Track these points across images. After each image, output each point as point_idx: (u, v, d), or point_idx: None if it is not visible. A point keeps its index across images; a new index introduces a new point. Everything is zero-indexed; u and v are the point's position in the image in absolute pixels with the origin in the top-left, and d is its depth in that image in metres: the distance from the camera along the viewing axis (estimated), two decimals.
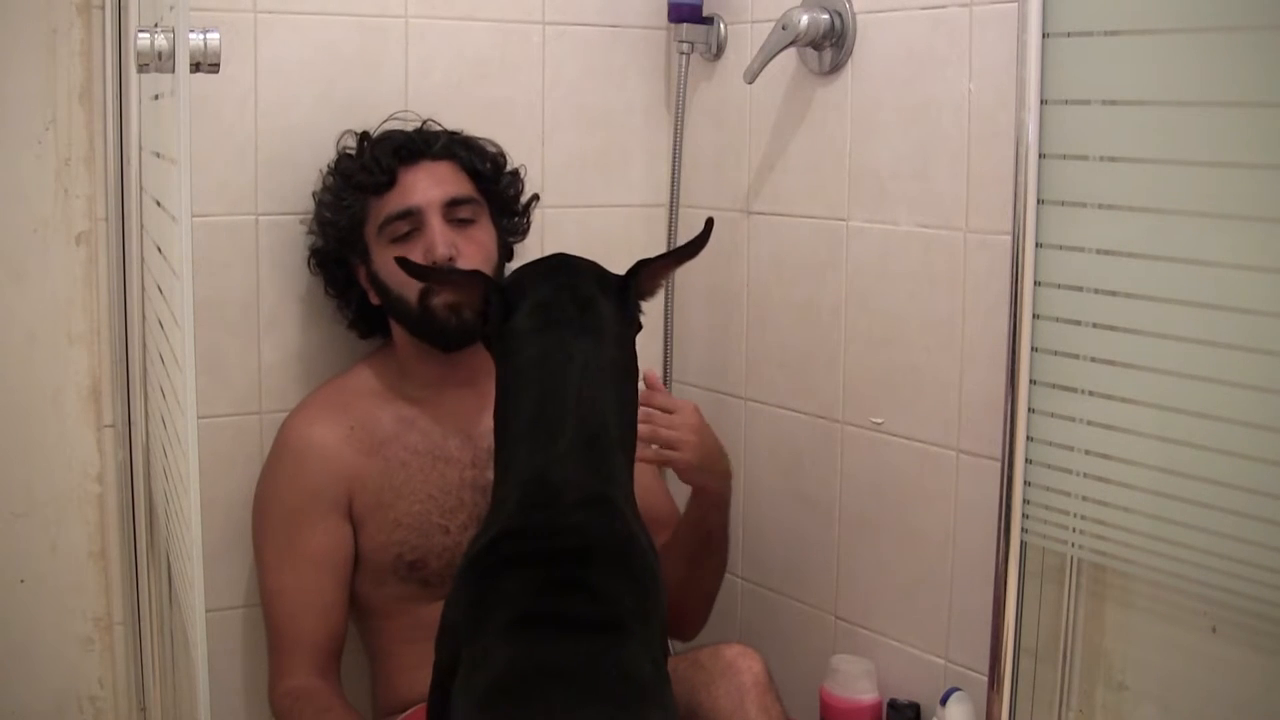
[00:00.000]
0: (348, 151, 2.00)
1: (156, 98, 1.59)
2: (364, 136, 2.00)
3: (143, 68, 1.33)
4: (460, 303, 1.71)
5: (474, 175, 1.99)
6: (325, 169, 2.00)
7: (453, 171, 1.97)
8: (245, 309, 2.03)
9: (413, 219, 1.92)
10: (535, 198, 2.11)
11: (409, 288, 1.88)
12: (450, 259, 1.88)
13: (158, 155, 1.58)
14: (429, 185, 1.93)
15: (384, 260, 1.91)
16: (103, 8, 1.83)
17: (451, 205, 1.94)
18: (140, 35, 1.31)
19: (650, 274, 1.68)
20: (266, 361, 2.05)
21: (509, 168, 2.06)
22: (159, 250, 1.58)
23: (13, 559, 1.88)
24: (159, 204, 1.57)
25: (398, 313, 1.95)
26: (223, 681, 2.04)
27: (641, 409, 1.75)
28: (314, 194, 2.01)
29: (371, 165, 1.95)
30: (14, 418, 1.87)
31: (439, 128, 2.02)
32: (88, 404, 1.90)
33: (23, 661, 1.90)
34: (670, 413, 1.89)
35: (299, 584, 1.91)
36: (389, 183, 1.93)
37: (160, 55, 1.31)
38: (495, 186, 2.02)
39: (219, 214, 1.99)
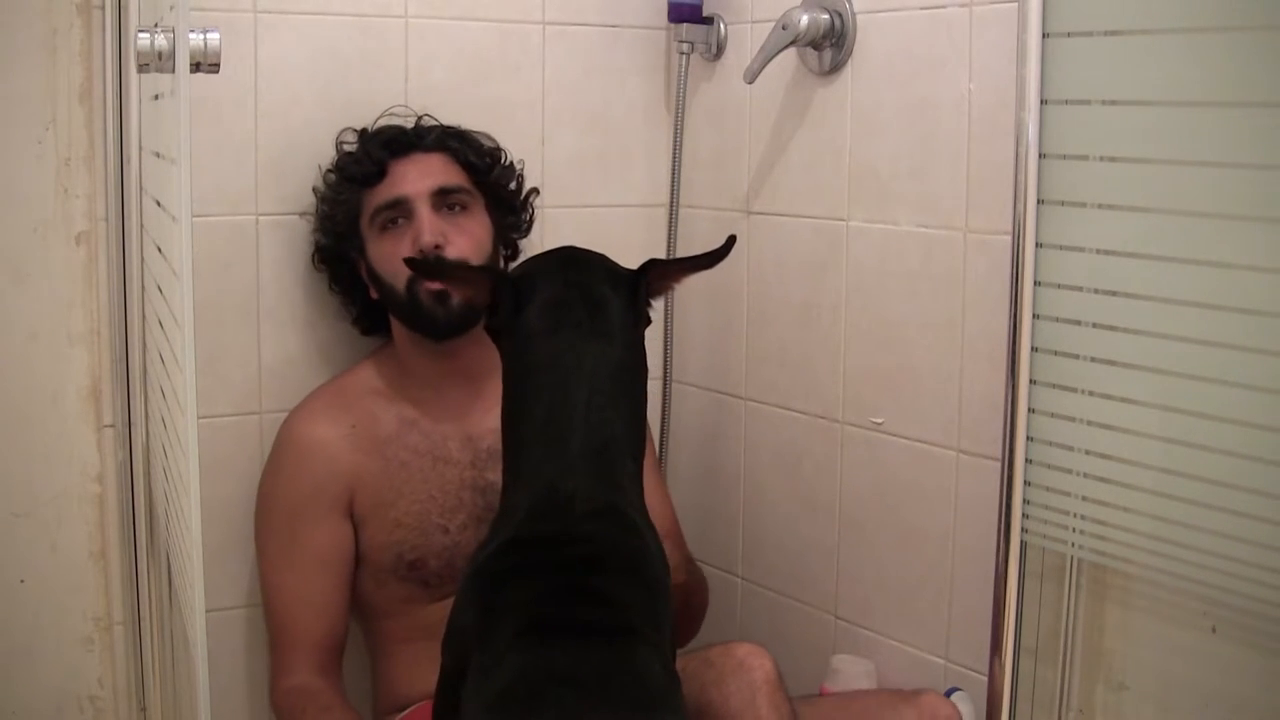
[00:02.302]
0: (345, 147, 2.01)
1: (156, 98, 1.59)
2: (361, 133, 2.02)
3: (143, 68, 1.33)
4: (467, 297, 1.71)
5: (468, 168, 2.00)
6: (325, 166, 2.01)
7: (444, 163, 1.98)
8: (245, 309, 2.03)
9: (401, 208, 1.93)
10: (535, 191, 2.11)
11: (398, 277, 1.90)
12: (437, 247, 1.89)
13: (158, 155, 1.58)
14: (417, 176, 1.95)
15: (377, 251, 1.94)
16: (103, 8, 1.83)
17: (441, 194, 1.94)
18: (140, 35, 1.31)
19: (662, 274, 1.68)
20: (266, 361, 2.05)
21: (505, 161, 2.06)
22: (159, 250, 1.58)
23: (13, 559, 1.88)
24: (159, 204, 1.57)
25: (390, 303, 1.96)
26: (223, 682, 2.04)
27: None
28: (314, 189, 2.02)
29: (363, 158, 1.97)
30: (14, 418, 1.87)
31: (434, 122, 2.03)
32: (88, 404, 1.90)
33: (23, 661, 1.90)
34: None
35: (300, 582, 1.92)
36: (379, 174, 1.95)
37: (160, 55, 1.31)
38: (488, 178, 2.02)
39: (219, 214, 1.99)
